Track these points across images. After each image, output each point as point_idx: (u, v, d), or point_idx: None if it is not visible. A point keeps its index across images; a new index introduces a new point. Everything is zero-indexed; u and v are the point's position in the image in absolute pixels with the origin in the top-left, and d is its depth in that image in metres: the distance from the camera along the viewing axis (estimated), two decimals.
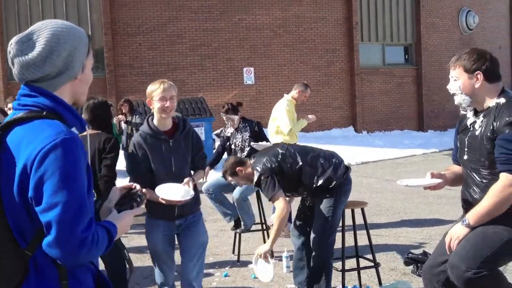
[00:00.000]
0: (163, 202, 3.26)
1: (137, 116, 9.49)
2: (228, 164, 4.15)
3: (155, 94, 3.32)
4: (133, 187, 1.91)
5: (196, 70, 16.08)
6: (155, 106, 3.34)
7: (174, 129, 3.47)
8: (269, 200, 3.96)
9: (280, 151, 4.02)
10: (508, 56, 24.44)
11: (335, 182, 3.94)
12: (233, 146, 5.89)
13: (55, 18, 15.84)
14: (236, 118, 5.86)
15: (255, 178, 3.91)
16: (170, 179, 3.36)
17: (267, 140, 5.88)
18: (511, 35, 25.03)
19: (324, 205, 3.96)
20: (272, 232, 4.02)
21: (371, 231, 4.49)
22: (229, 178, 4.19)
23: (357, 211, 4.45)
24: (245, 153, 5.69)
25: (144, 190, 1.99)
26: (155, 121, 3.45)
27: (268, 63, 16.80)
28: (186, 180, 3.38)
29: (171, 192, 3.27)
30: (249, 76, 16.63)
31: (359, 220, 4.45)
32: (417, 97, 19.59)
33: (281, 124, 6.25)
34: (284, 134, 6.21)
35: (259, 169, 3.90)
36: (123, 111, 9.62)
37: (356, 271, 4.51)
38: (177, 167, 3.43)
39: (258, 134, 5.84)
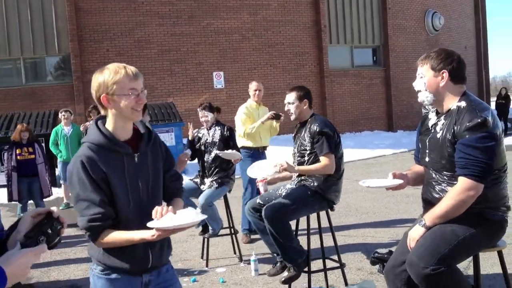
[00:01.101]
0: (153, 237, 2.10)
1: None
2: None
3: (119, 85, 2.20)
4: (51, 212, 1.59)
5: (165, 75, 15.98)
6: (121, 103, 2.21)
7: (136, 139, 2.35)
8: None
9: None
10: (474, 56, 24.96)
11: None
12: (202, 147, 5.83)
13: (19, 25, 15.60)
14: (211, 115, 5.81)
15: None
16: (136, 212, 2.26)
17: (237, 147, 5.82)
18: (476, 36, 25.58)
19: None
20: (306, 168, 4.29)
21: (340, 232, 4.53)
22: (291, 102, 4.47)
23: (323, 212, 4.47)
24: (212, 155, 5.62)
25: (61, 218, 1.63)
26: (110, 127, 2.29)
27: (238, 67, 16.81)
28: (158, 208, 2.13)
29: (168, 217, 2.08)
30: (219, 80, 16.61)
31: (325, 222, 4.47)
32: (386, 98, 19.87)
33: (236, 128, 6.32)
34: (241, 136, 6.30)
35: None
36: (92, 118, 9.48)
37: (323, 272, 4.53)
38: (148, 193, 2.31)
39: (228, 139, 5.79)
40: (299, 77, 17.73)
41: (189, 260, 5.78)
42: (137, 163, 2.30)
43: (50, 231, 1.56)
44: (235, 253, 5.65)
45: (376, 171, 11.41)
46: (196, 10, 16.24)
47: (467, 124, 2.72)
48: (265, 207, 4.21)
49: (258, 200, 4.46)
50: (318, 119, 4.35)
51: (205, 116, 5.78)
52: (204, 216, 2.12)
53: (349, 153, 14.97)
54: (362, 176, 10.39)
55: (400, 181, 3.06)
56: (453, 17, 22.75)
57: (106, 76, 2.22)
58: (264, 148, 6.46)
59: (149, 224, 2.08)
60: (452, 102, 2.88)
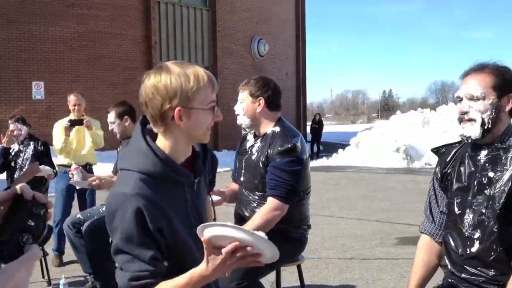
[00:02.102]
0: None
1: None
2: None
3: (199, 96, 1.64)
4: (17, 193, 1.05)
5: None
6: (198, 119, 1.66)
7: (192, 158, 1.79)
8: None
9: None
10: (294, 82, 26.96)
11: None
12: (13, 164, 5.38)
13: None
14: (24, 129, 5.38)
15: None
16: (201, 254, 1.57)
17: (52, 163, 5.45)
18: (296, 63, 27.67)
19: None
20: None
21: None
22: None
23: None
24: (23, 171, 5.22)
25: (38, 197, 1.05)
26: (166, 147, 1.69)
27: (61, 78, 15.89)
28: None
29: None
30: (38, 90, 15.51)
31: None
32: None
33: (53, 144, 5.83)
34: (57, 152, 5.77)
35: None
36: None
37: None
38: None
39: (42, 155, 5.41)
40: (128, 92, 17.30)
41: None
42: (195, 192, 1.76)
43: (31, 223, 1.01)
44: (43, 277, 5.28)
45: None
46: (18, 14, 15.03)
47: (279, 148, 2.94)
48: (85, 223, 4.07)
49: (78, 216, 4.28)
50: None
51: (18, 130, 5.38)
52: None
53: None
54: None
55: (217, 198, 3.19)
56: (277, 45, 24.37)
57: (183, 82, 1.61)
58: (89, 165, 5.86)
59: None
60: (268, 127, 3.10)
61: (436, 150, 2.29)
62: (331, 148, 22.36)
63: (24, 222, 1.01)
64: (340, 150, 18.97)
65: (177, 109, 1.60)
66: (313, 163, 18.33)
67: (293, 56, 27.24)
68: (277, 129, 3.07)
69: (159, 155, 1.63)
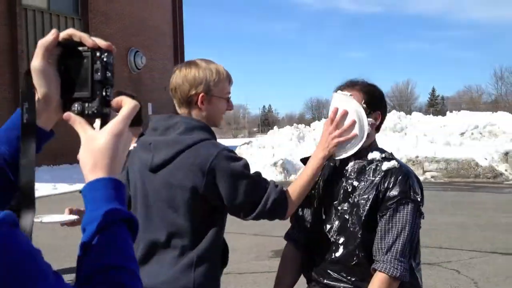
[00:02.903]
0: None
1: None
2: None
3: (219, 87, 2.04)
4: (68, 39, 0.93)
5: None
6: (218, 106, 2.06)
7: None
8: None
9: None
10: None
11: None
12: None
13: None
14: None
15: None
16: None
17: None
18: None
19: None
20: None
21: None
22: None
23: None
24: None
25: (108, 45, 0.95)
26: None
27: None
28: None
29: None
30: None
31: None
32: None
33: None
34: None
35: None
36: None
37: None
38: None
39: None
40: None
41: None
42: None
43: (108, 74, 0.90)
44: None
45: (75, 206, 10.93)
46: None
47: None
48: None
49: None
50: None
51: None
52: None
53: (45, 187, 14.07)
54: (50, 211, 9.79)
55: (75, 217, 2.94)
56: (155, 58, 24.01)
57: (208, 74, 2.02)
58: None
59: None
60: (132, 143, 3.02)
61: (305, 160, 2.31)
62: None
63: (103, 73, 0.90)
64: None
65: (200, 95, 1.98)
66: None
67: (172, 69, 27.01)
68: (135, 145, 2.98)
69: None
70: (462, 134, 18.41)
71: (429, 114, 24.38)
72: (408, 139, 17.67)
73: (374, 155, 2.07)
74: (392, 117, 19.72)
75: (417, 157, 16.11)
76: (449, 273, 5.76)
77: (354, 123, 2.00)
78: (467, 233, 7.85)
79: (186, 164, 1.89)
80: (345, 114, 2.01)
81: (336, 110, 2.03)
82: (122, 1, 22.01)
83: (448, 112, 21.10)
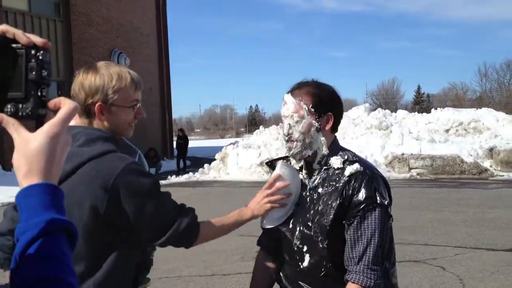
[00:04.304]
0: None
1: None
2: None
3: (121, 95, 1.80)
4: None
5: None
6: (119, 116, 1.85)
7: None
8: None
9: None
10: (158, 97, 26.54)
11: None
12: None
13: None
14: None
15: None
16: None
17: None
18: (160, 78, 27.32)
19: None
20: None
21: None
22: None
23: None
24: None
25: (44, 41, 0.87)
26: None
27: None
28: None
29: None
30: None
31: None
32: None
33: None
34: None
35: None
36: None
37: None
38: None
39: None
40: None
41: None
42: None
43: (44, 72, 0.84)
44: None
45: None
46: None
47: None
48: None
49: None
50: None
51: None
52: None
53: None
54: None
55: None
56: (139, 59, 23.82)
57: (106, 80, 1.77)
58: None
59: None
60: None
61: (270, 163, 2.26)
62: (198, 162, 22.22)
63: (38, 72, 0.84)
64: (206, 165, 18.91)
65: (97, 104, 1.75)
66: (179, 179, 18.03)
67: (156, 71, 26.85)
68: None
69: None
70: (447, 131, 18.52)
71: (415, 112, 24.49)
72: (394, 137, 17.72)
73: (336, 159, 1.99)
74: (377, 115, 19.78)
75: (402, 154, 16.15)
76: (435, 270, 5.74)
77: (289, 195, 2.00)
78: (453, 229, 7.86)
79: (85, 180, 1.66)
80: (286, 186, 1.99)
81: (278, 176, 2.01)
82: (105, 3, 21.82)
83: (433, 110, 21.20)
